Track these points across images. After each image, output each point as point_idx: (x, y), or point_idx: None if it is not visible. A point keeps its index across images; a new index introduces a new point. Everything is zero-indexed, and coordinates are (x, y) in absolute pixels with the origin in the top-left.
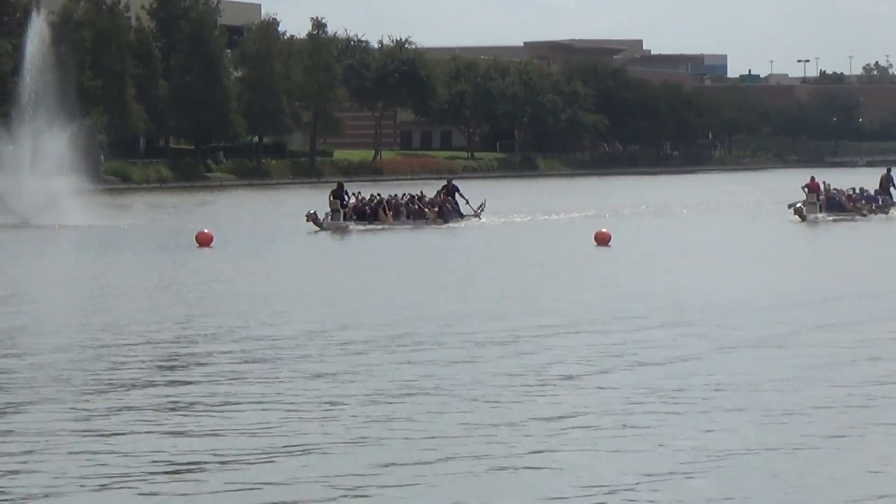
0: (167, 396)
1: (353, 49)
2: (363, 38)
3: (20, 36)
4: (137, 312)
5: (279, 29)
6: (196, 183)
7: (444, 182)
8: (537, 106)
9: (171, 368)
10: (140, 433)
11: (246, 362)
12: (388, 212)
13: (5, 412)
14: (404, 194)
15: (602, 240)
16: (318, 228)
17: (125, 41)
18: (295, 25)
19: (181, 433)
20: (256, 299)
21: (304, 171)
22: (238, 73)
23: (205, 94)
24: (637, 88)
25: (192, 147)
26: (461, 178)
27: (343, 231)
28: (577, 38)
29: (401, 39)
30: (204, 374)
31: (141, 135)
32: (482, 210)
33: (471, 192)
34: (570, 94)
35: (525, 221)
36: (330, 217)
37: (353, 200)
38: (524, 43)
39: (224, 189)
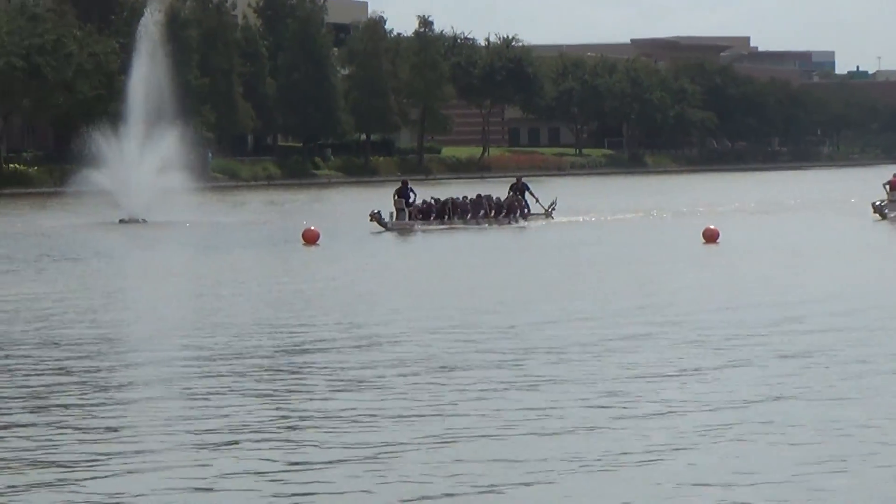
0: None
1: (459, 47)
2: (470, 36)
3: (128, 35)
4: (249, 309)
5: (386, 27)
6: (304, 180)
7: (514, 180)
8: (645, 103)
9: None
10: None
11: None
12: (456, 211)
13: (124, 409)
14: (464, 196)
15: (710, 237)
16: (382, 229)
17: (232, 39)
18: (401, 23)
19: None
20: (368, 296)
21: (412, 168)
22: (345, 71)
23: (312, 91)
24: (744, 85)
25: (300, 144)
26: (569, 174)
27: (408, 231)
28: (683, 35)
29: (508, 37)
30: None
31: (249, 132)
32: (553, 209)
33: (575, 188)
34: (678, 91)
35: (599, 221)
36: (395, 217)
37: (419, 201)
38: (631, 40)
39: (332, 186)
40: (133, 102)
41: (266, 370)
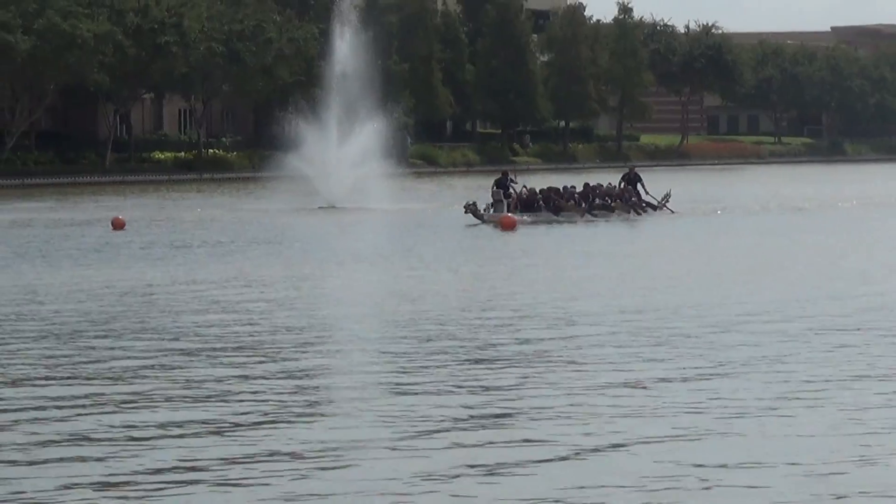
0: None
1: (659, 34)
2: (669, 23)
3: (327, 20)
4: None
5: (585, 13)
6: (502, 167)
7: (626, 170)
8: (845, 91)
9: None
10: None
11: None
12: (572, 202)
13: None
14: (571, 186)
15: None
16: (478, 221)
17: (432, 25)
18: (601, 10)
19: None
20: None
21: (611, 155)
22: (544, 58)
23: (511, 78)
24: None
25: (499, 131)
26: (769, 162)
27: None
28: (885, 22)
29: (707, 24)
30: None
31: (448, 119)
32: (667, 201)
33: (776, 175)
34: (878, 80)
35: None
36: (493, 208)
37: (522, 189)
38: (831, 28)
39: (531, 173)
40: (332, 88)
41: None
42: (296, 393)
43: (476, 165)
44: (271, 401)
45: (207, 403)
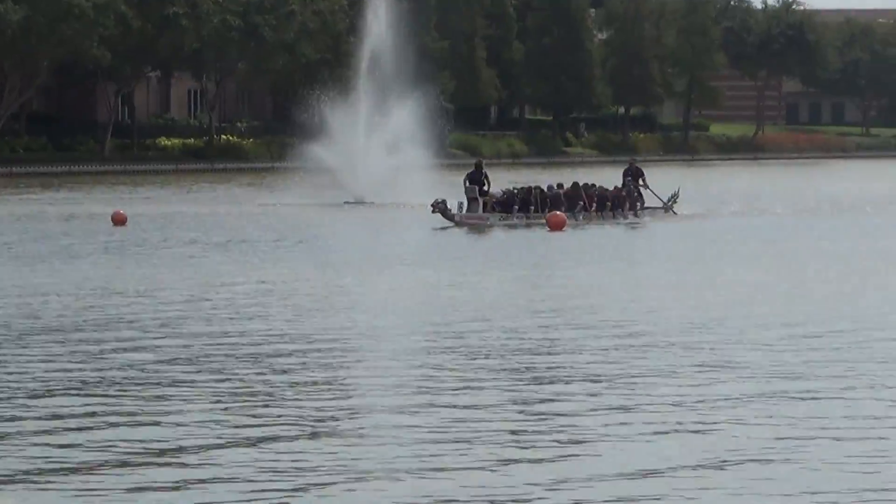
0: None
1: (733, 10)
2: None
3: None
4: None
5: None
6: (554, 159)
7: (628, 164)
8: None
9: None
10: None
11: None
12: (545, 203)
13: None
14: (559, 185)
15: None
16: (448, 223)
17: None
18: None
19: None
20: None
21: (676, 146)
22: (602, 36)
23: (565, 58)
24: None
25: (550, 118)
26: (855, 156)
27: (482, 226)
28: None
29: (787, 0)
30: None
31: (492, 104)
32: (674, 202)
33: (858, 171)
34: None
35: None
36: (465, 208)
37: (497, 190)
38: None
39: (585, 166)
40: (362, 68)
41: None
42: (333, 408)
43: (524, 157)
44: (309, 415)
45: (237, 415)
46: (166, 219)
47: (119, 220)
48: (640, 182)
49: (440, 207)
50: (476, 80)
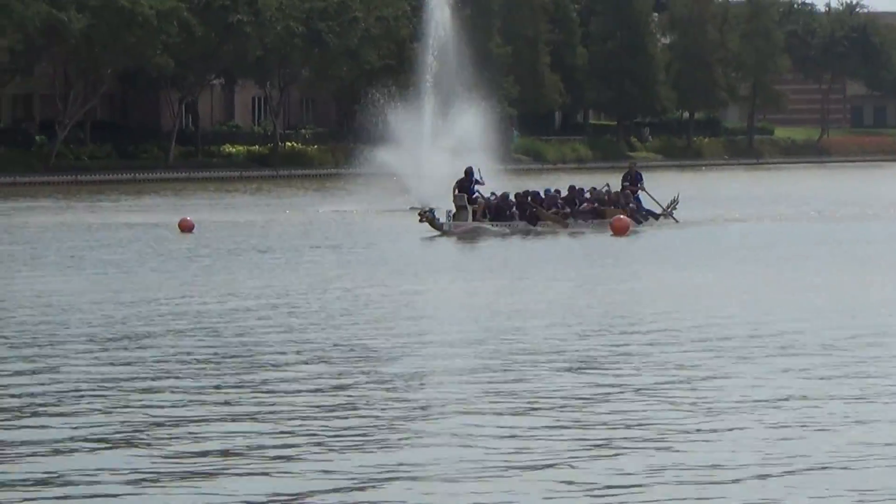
0: None
1: (796, 14)
2: (808, 1)
3: None
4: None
5: None
6: (618, 164)
7: (627, 168)
8: None
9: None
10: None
11: None
12: (554, 209)
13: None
14: (556, 190)
15: None
16: (436, 232)
17: (539, 4)
18: None
19: None
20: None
21: (741, 150)
22: (666, 40)
23: (629, 63)
24: None
25: (614, 123)
26: None
27: (473, 235)
28: None
29: (851, 3)
30: None
31: (556, 108)
32: (674, 208)
33: None
34: None
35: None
36: (453, 216)
37: (491, 197)
38: None
39: (650, 170)
40: (426, 73)
41: None
42: (397, 416)
43: (588, 161)
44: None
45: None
46: (234, 227)
47: (186, 228)
48: (639, 186)
49: (428, 217)
50: (540, 85)
